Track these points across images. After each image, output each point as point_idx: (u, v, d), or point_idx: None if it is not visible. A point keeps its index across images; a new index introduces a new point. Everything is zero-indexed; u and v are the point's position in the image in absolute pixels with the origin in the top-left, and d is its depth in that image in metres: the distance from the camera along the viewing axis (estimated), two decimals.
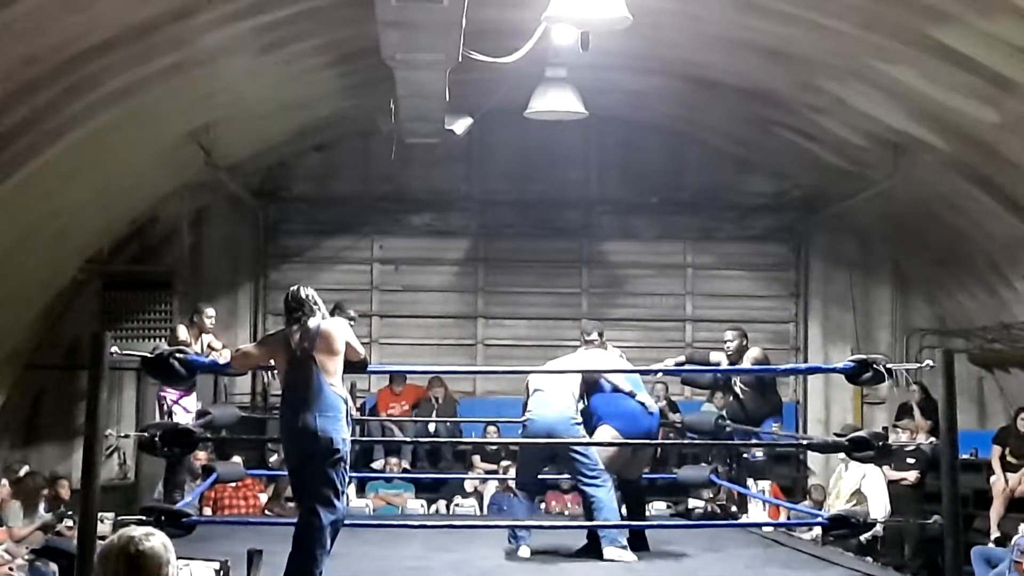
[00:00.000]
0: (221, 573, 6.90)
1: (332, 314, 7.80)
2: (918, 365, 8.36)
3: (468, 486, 13.31)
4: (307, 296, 6.78)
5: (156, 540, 3.25)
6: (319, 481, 6.58)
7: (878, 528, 10.90)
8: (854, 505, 11.06)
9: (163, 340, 11.98)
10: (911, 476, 12.06)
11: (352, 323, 8.46)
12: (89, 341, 6.84)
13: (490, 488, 13.18)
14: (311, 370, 6.61)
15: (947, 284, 14.84)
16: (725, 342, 10.86)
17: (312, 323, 6.70)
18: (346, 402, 6.78)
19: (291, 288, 6.92)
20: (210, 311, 11.05)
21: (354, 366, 6.99)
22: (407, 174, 15.10)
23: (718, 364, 10.87)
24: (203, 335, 10.90)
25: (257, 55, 10.57)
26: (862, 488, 11.75)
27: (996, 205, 11.88)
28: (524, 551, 8.50)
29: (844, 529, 8.02)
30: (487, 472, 13.28)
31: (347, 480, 6.98)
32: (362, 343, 7.21)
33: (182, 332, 10.70)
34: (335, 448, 6.57)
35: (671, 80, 13.08)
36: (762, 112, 13.33)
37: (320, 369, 6.61)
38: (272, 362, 7.12)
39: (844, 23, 9.83)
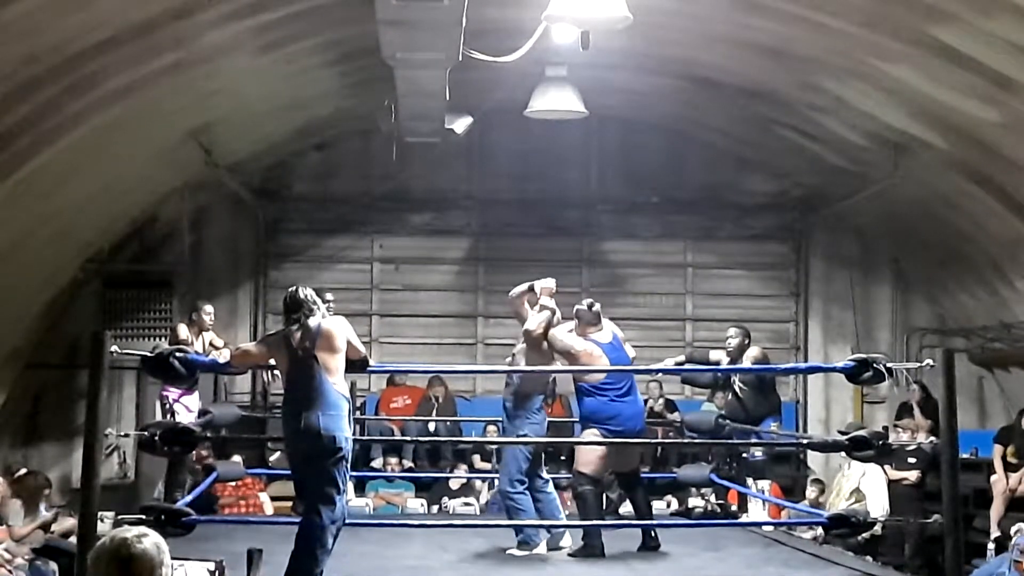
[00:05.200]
0: (216, 573, 6.89)
1: None
2: (918, 364, 8.34)
3: (454, 484, 13.26)
4: (306, 296, 6.79)
5: (148, 542, 3.22)
6: (321, 480, 6.60)
7: (877, 527, 10.89)
8: (853, 503, 11.08)
9: (163, 339, 12.00)
10: (911, 475, 12.06)
11: (329, 306, 8.46)
12: (89, 340, 6.84)
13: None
14: (313, 369, 6.62)
15: (947, 283, 14.84)
16: (727, 339, 10.88)
17: (313, 322, 6.71)
18: (348, 401, 6.79)
19: (289, 289, 6.93)
20: (208, 308, 11.05)
21: (354, 364, 7.00)
22: (407, 173, 15.08)
23: (718, 363, 10.88)
24: (203, 333, 10.91)
25: (257, 54, 10.57)
26: (861, 486, 11.76)
27: (997, 204, 11.88)
28: (543, 548, 8.55)
29: (844, 528, 8.03)
30: (488, 471, 13.26)
31: (348, 478, 6.99)
32: (362, 342, 7.22)
33: (182, 331, 10.71)
34: (338, 447, 6.59)
35: (671, 79, 13.08)
36: (762, 111, 13.33)
37: (322, 368, 6.63)
38: (272, 361, 7.13)
39: (844, 22, 9.83)
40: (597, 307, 8.86)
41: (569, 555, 8.50)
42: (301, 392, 6.66)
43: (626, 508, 11.58)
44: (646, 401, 13.74)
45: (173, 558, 3.28)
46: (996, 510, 11.67)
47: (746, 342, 10.83)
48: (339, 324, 6.89)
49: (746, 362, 10.61)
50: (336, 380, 6.67)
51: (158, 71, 9.75)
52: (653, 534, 8.88)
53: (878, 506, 11.54)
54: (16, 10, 7.68)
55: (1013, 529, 10.11)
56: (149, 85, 9.96)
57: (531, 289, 8.78)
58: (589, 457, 8.66)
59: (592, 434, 8.63)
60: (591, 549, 8.50)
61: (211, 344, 10.86)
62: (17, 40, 8.08)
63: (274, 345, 6.96)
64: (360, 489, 12.86)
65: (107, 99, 9.72)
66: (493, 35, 9.63)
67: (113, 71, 9.28)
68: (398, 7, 7.49)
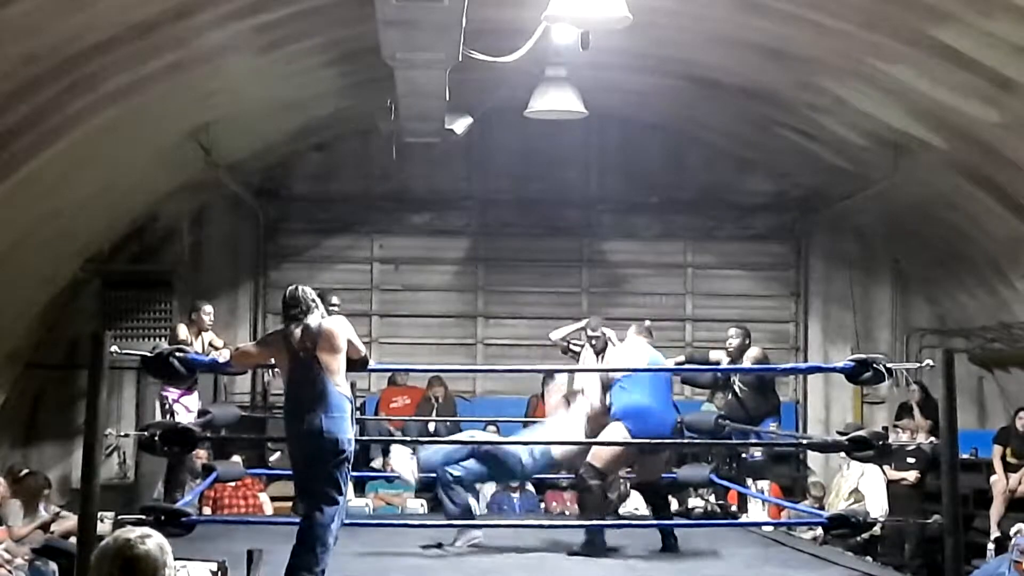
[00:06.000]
0: (219, 573, 6.89)
1: None
2: (918, 365, 8.36)
3: None
4: (304, 295, 6.77)
5: (152, 542, 3.23)
6: (323, 480, 6.60)
7: (877, 528, 10.89)
8: (852, 503, 11.07)
9: (163, 339, 11.99)
10: (911, 476, 12.07)
11: (335, 308, 8.47)
12: (89, 340, 6.85)
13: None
14: (315, 370, 6.61)
15: (947, 284, 14.83)
16: (727, 339, 10.88)
17: (313, 322, 6.69)
18: (351, 401, 6.78)
19: (288, 288, 6.92)
20: (207, 307, 11.05)
21: (355, 364, 6.98)
22: (407, 173, 15.07)
23: (718, 363, 10.89)
24: (203, 333, 10.91)
25: (257, 54, 10.56)
26: (860, 487, 11.76)
27: (996, 205, 11.88)
28: (477, 533, 8.59)
29: (844, 528, 8.03)
30: None
31: (349, 478, 6.99)
32: (362, 342, 7.21)
33: (182, 331, 10.71)
34: (341, 448, 6.58)
35: (671, 79, 13.07)
36: (762, 111, 13.33)
37: (324, 369, 6.61)
38: (272, 361, 7.12)
39: (844, 22, 9.83)
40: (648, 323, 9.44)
41: (570, 553, 8.49)
42: (303, 393, 6.64)
43: (625, 508, 11.60)
44: None
45: (176, 559, 3.28)
46: (996, 510, 11.68)
47: (746, 342, 10.84)
48: (340, 324, 6.87)
49: (746, 362, 10.62)
50: (338, 380, 6.65)
51: (158, 71, 9.74)
52: (672, 536, 8.89)
53: (877, 506, 11.53)
54: (16, 10, 7.67)
55: (1013, 529, 10.13)
56: (149, 85, 9.94)
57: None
58: (608, 452, 8.63)
59: (618, 427, 8.61)
60: (591, 547, 8.48)
61: (211, 344, 10.86)
62: (17, 40, 8.08)
63: (274, 345, 6.94)
64: (360, 489, 12.85)
65: (107, 99, 9.71)
66: (493, 35, 9.62)
67: (113, 71, 9.27)
68: (398, 7, 7.48)
